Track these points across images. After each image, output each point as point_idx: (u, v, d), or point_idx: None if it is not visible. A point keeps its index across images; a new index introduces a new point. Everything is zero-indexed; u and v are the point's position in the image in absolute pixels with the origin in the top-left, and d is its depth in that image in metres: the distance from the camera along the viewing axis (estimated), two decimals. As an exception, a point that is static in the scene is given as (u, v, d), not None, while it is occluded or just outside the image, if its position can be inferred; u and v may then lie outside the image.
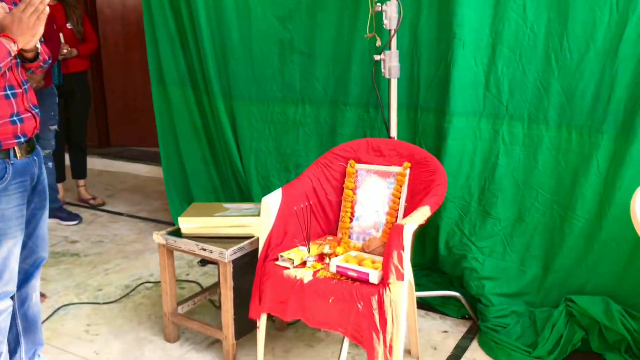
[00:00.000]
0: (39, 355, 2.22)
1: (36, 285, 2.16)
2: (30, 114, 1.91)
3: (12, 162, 1.86)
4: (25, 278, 2.09)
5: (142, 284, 3.13)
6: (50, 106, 3.74)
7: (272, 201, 2.28)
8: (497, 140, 2.56)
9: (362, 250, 2.30)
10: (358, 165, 2.50)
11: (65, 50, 3.92)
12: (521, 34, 2.43)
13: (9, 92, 1.83)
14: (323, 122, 3.05)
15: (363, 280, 2.05)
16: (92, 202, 4.45)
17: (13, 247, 1.91)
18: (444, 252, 2.74)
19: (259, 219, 2.32)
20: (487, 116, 2.57)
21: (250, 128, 3.29)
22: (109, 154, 5.57)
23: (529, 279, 2.57)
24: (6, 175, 1.85)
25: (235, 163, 3.39)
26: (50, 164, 3.87)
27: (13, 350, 2.14)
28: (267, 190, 3.27)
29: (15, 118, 1.85)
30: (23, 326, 2.14)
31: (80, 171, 4.45)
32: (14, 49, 1.76)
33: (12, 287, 1.97)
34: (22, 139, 1.88)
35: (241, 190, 3.47)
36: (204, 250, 2.36)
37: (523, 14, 2.40)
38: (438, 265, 2.85)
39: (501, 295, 2.57)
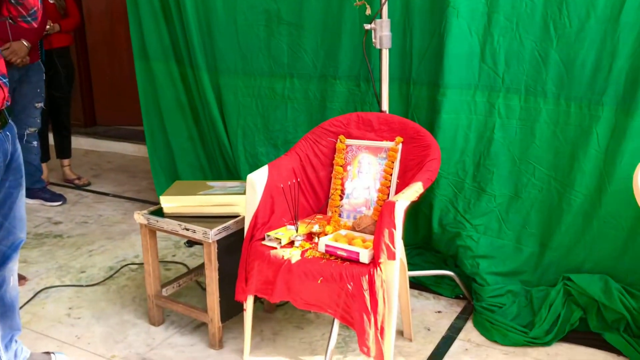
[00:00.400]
0: (15, 341, 2.13)
1: (14, 268, 2.06)
2: None
3: None
4: (2, 261, 1.99)
5: (126, 265, 3.03)
6: (36, 83, 3.61)
7: (258, 178, 2.18)
8: (493, 114, 2.46)
9: (353, 228, 2.21)
10: (348, 141, 2.40)
11: (48, 27, 3.77)
12: (518, 1, 2.31)
13: None
14: (312, 96, 2.93)
15: (353, 260, 1.96)
16: (77, 182, 4.33)
17: None
18: (438, 230, 2.65)
19: (245, 197, 2.22)
20: (483, 88, 2.46)
21: (237, 103, 3.17)
22: (95, 133, 5.43)
23: (525, 258, 2.49)
24: None
25: (222, 140, 3.28)
26: (35, 143, 3.75)
27: None
28: (255, 168, 3.14)
29: (4, 79, 1.74)
30: (0, 310, 2.04)
31: (64, 151, 4.33)
32: None
33: None
34: None
35: (228, 168, 3.36)
36: (187, 230, 2.26)
37: (520, -20, 2.29)
38: (432, 244, 2.76)
39: (496, 274, 2.49)
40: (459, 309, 2.55)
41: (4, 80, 1.83)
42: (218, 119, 3.24)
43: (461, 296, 2.62)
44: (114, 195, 4.12)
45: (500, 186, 2.50)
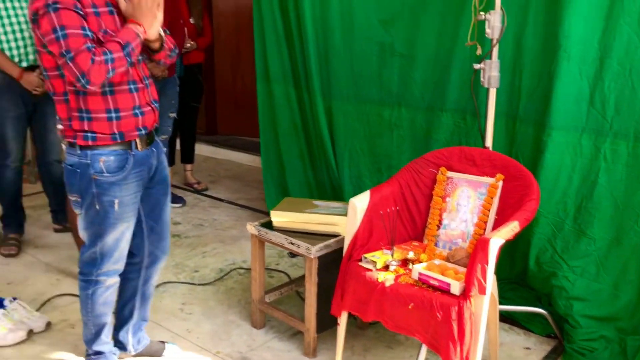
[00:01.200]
0: (141, 329, 2.43)
1: (159, 268, 2.37)
2: (150, 108, 2.08)
3: (133, 153, 2.04)
4: (152, 261, 2.31)
5: (235, 269, 3.30)
6: (172, 95, 4.01)
7: (360, 203, 2.34)
8: (598, 158, 2.46)
9: (447, 259, 2.31)
10: (450, 173, 2.50)
11: (188, 45, 4.16)
12: (633, 47, 2.31)
13: (132, 86, 2.01)
14: (418, 126, 3.06)
15: (444, 290, 2.07)
16: (196, 186, 4.71)
17: (126, 230, 2.11)
18: (534, 268, 2.67)
19: (346, 219, 2.39)
20: (589, 132, 2.47)
21: (346, 127, 3.36)
22: (216, 141, 5.86)
23: (622, 304, 2.46)
24: (127, 166, 2.03)
25: (329, 161, 3.48)
26: (165, 150, 4.14)
27: (124, 321, 2.38)
28: (359, 189, 3.33)
29: (137, 111, 2.03)
30: (139, 302, 2.36)
31: (188, 156, 4.73)
32: (140, 30, 1.94)
33: (121, 266, 2.19)
34: (143, 131, 2.06)
35: (333, 187, 3.55)
36: (292, 244, 2.46)
37: (637, 27, 2.29)
38: (526, 281, 2.78)
39: (590, 318, 2.47)
40: (548, 348, 2.56)
41: (156, 105, 2.12)
42: (327, 140, 3.45)
43: (552, 335, 2.62)
44: (228, 202, 4.45)
45: (601, 230, 2.49)
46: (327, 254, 2.44)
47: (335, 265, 2.41)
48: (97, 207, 2.02)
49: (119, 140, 2.00)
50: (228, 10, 5.77)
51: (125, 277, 2.27)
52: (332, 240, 2.46)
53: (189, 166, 4.76)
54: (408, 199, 2.52)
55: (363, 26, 3.13)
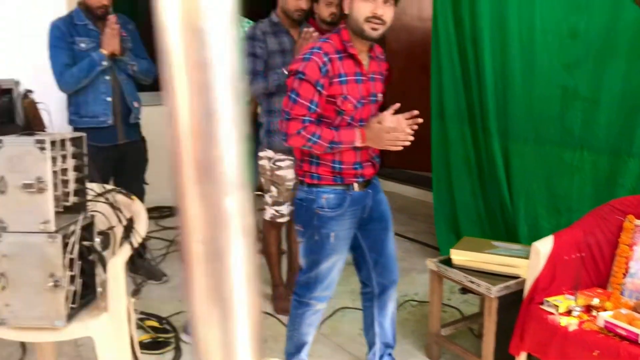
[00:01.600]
0: (387, 355, 2.62)
1: (393, 297, 2.58)
2: (370, 163, 2.34)
3: (350, 193, 2.30)
4: (381, 290, 2.53)
5: (407, 301, 3.46)
6: None
7: (543, 247, 2.39)
8: None
9: (634, 309, 2.28)
10: (638, 221, 2.46)
11: None
12: None
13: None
14: (602, 170, 3.02)
15: (632, 340, 2.05)
16: None
17: (337, 261, 2.38)
18: None
19: (528, 262, 2.45)
20: None
21: (524, 168, 3.40)
22: (384, 174, 6.09)
23: None
24: (344, 204, 2.29)
25: (504, 200, 3.53)
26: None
27: (370, 345, 2.62)
28: (534, 230, 3.34)
29: (357, 165, 2.30)
30: (379, 329, 2.59)
31: None
32: (358, 144, 2.21)
33: (329, 293, 2.45)
34: (361, 179, 2.32)
35: (507, 227, 3.59)
36: (472, 283, 2.57)
37: None
38: None
39: None
40: None
41: (377, 160, 2.40)
42: (503, 180, 3.51)
43: None
44: (397, 234, 4.62)
45: None
46: (507, 294, 2.52)
47: (513, 306, 2.47)
48: (316, 237, 2.31)
49: (339, 182, 2.28)
50: (401, 49, 6.03)
51: (363, 305, 2.58)
52: (513, 281, 2.52)
53: None
54: (592, 245, 2.52)
55: (545, 70, 3.18)
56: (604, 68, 2.95)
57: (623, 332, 2.09)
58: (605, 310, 2.27)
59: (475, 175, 3.77)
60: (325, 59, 2.14)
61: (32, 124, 3.57)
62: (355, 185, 2.30)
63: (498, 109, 3.49)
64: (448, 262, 2.74)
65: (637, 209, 2.48)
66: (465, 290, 3.53)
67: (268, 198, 3.25)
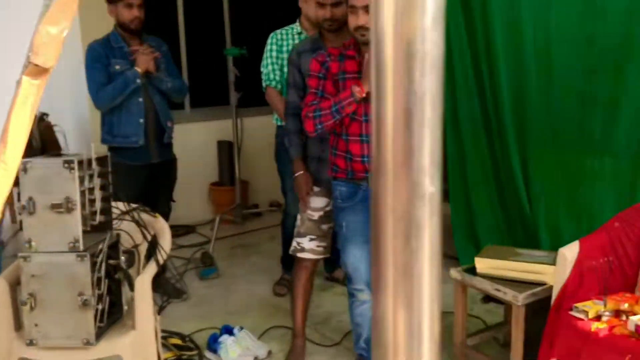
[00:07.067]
0: None
1: None
2: None
3: (363, 189, 2.44)
4: None
5: (430, 311, 3.43)
6: None
7: (570, 253, 2.38)
8: None
9: (665, 312, 2.26)
10: (663, 224, 2.45)
11: None
12: None
13: (364, 138, 2.39)
14: (623, 175, 3.01)
15: (665, 344, 2.04)
16: None
17: (356, 251, 2.48)
18: None
19: (554, 268, 2.43)
20: None
21: (542, 175, 3.39)
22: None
23: None
24: (356, 197, 2.45)
25: (523, 207, 3.51)
26: None
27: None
28: (555, 236, 3.32)
29: (365, 158, 2.41)
30: None
31: None
32: (357, 92, 2.31)
33: (361, 286, 2.54)
34: (369, 175, 2.39)
35: (527, 234, 3.57)
36: (498, 291, 2.56)
37: None
38: None
39: None
40: None
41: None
42: (522, 187, 3.50)
43: None
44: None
45: None
46: (533, 302, 2.50)
47: (540, 313, 2.45)
48: (337, 228, 2.56)
49: (350, 177, 2.45)
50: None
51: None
52: (539, 288, 2.51)
53: None
54: (618, 249, 2.50)
55: (562, 77, 3.18)
56: (621, 73, 2.95)
57: (655, 336, 2.07)
58: (635, 314, 2.25)
59: (492, 184, 3.76)
60: (327, 58, 2.42)
61: (48, 146, 3.62)
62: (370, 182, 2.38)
63: (515, 117, 3.48)
64: (472, 270, 2.73)
65: (662, 212, 2.47)
66: (487, 299, 3.50)
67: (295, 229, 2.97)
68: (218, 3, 5.54)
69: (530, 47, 3.31)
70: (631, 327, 2.16)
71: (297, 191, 2.78)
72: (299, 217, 2.92)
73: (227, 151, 5.29)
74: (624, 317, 2.25)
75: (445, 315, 3.28)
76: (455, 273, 2.75)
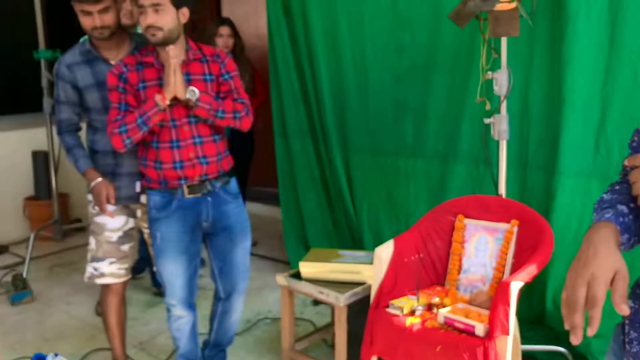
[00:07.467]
0: (222, 351, 2.78)
1: (237, 305, 2.68)
2: (191, 163, 2.35)
3: (178, 198, 2.36)
4: (226, 296, 2.62)
5: (261, 319, 3.42)
6: None
7: (385, 251, 2.48)
8: (607, 200, 2.61)
9: (469, 302, 2.43)
10: (467, 221, 2.65)
11: None
12: (633, 98, 2.49)
13: (174, 144, 2.32)
14: (433, 175, 3.22)
15: (469, 332, 2.19)
16: None
17: (170, 265, 2.41)
18: (551, 308, 2.79)
19: (372, 267, 2.52)
20: (597, 176, 2.63)
21: (364, 178, 3.53)
22: (231, 193, 6.01)
23: None
24: (170, 207, 2.37)
25: (348, 210, 3.63)
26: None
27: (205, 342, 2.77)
28: (377, 236, 3.48)
29: (176, 165, 2.33)
30: (216, 326, 2.71)
31: None
32: (160, 102, 2.23)
33: (174, 301, 2.47)
34: (184, 182, 2.35)
35: (353, 236, 3.70)
36: (322, 293, 2.59)
37: (633, 80, 2.48)
38: (545, 320, 2.90)
39: (609, 355, 2.58)
40: (570, 386, 2.66)
41: (201, 160, 2.37)
42: (346, 190, 3.61)
43: (573, 373, 2.72)
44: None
45: (614, 269, 2.62)
46: (355, 301, 2.57)
47: (362, 312, 2.53)
48: (152, 237, 2.45)
49: (164, 186, 2.37)
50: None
51: (213, 303, 2.71)
52: (359, 288, 2.59)
53: None
54: (429, 245, 2.66)
55: (377, 83, 3.34)
56: (429, 81, 3.16)
57: (461, 326, 2.22)
58: (444, 306, 2.40)
59: (320, 187, 3.85)
60: (124, 69, 2.32)
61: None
62: (185, 191, 2.37)
63: (337, 122, 3.59)
64: (298, 275, 2.75)
65: (466, 209, 2.67)
66: (317, 301, 3.57)
67: (87, 252, 2.68)
68: (29, 1, 5.08)
69: (348, 55, 3.44)
70: (440, 319, 2.29)
71: (97, 201, 2.50)
72: (92, 240, 2.62)
73: (43, 162, 4.86)
74: (435, 311, 2.39)
75: (277, 322, 3.28)
76: (281, 279, 2.75)
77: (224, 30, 4.09)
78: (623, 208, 1.16)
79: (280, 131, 3.96)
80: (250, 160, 4.57)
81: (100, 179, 2.51)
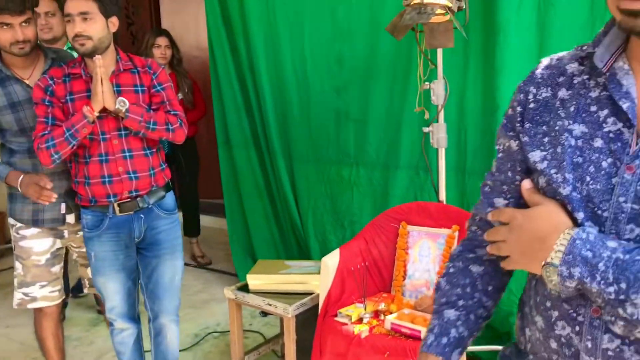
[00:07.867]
0: None
1: (169, 328, 2.55)
2: (120, 179, 2.29)
3: (110, 216, 2.31)
4: (154, 317, 2.53)
5: (209, 333, 3.39)
6: None
7: (331, 261, 2.51)
8: (541, 203, 2.73)
9: (415, 308, 2.49)
10: (409, 227, 2.71)
11: None
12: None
13: (103, 157, 2.26)
14: (376, 183, 3.28)
15: (416, 337, 2.24)
16: (200, 260, 4.58)
17: (107, 283, 2.38)
18: (493, 308, 2.88)
19: (319, 277, 2.55)
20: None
21: (308, 187, 3.56)
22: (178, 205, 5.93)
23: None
24: (102, 225, 2.32)
25: (294, 219, 3.65)
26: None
27: None
28: (324, 245, 3.51)
29: (104, 179, 2.27)
30: (153, 349, 2.60)
31: (192, 230, 4.61)
32: (88, 113, 2.16)
33: (115, 316, 2.44)
34: (113, 199, 2.29)
35: (299, 245, 3.72)
36: (270, 305, 2.60)
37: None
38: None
39: (548, 351, 2.69)
40: (513, 383, 2.75)
41: (132, 176, 2.31)
42: (291, 200, 3.63)
43: (516, 370, 2.82)
44: (194, 266, 4.53)
45: (549, 269, 2.73)
46: (303, 311, 2.59)
47: (311, 322, 2.55)
48: (88, 257, 2.43)
49: (94, 204, 2.31)
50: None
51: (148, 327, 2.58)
52: (307, 298, 2.61)
53: (193, 239, 4.66)
54: (374, 253, 2.71)
55: (318, 94, 3.38)
56: (368, 91, 3.21)
57: (407, 331, 2.27)
58: (391, 313, 2.45)
59: (265, 198, 3.85)
60: (50, 82, 2.25)
61: None
62: (116, 209, 2.32)
63: (280, 132, 3.61)
64: (245, 288, 2.74)
65: (408, 216, 2.73)
66: (265, 312, 3.57)
67: (14, 279, 2.55)
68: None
69: (289, 65, 3.46)
70: (388, 326, 2.34)
71: (33, 197, 2.31)
72: (18, 265, 2.50)
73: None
74: (382, 317, 2.43)
75: (225, 335, 3.26)
76: (228, 292, 2.74)
77: (162, 40, 4.05)
78: (450, 315, 1.13)
79: (224, 142, 3.94)
80: (197, 172, 4.53)
81: (23, 176, 2.32)
